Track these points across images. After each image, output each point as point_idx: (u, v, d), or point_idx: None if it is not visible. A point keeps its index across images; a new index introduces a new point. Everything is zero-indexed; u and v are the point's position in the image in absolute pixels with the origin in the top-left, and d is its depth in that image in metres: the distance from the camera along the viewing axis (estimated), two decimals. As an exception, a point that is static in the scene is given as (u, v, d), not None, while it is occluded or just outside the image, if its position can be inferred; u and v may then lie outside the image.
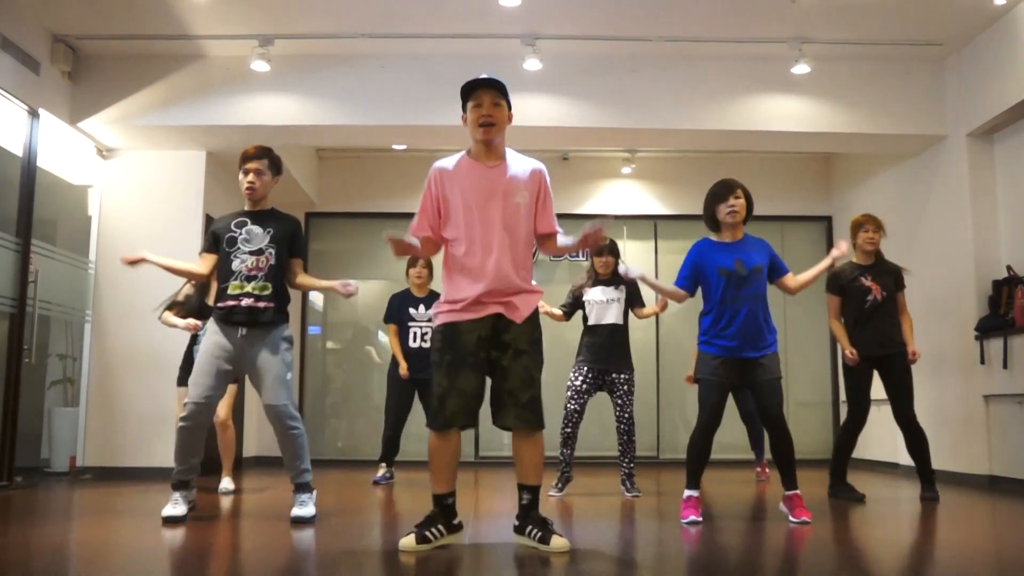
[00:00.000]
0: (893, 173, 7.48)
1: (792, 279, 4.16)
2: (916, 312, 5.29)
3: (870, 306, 5.01)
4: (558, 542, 3.13)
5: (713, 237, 4.14)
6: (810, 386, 8.56)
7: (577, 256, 8.50)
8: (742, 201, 4.03)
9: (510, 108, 3.31)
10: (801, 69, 6.35)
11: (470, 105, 3.26)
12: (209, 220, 6.67)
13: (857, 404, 5.03)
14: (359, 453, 8.23)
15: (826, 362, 8.54)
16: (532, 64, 6.28)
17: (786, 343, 7.93)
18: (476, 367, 3.16)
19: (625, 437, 5.26)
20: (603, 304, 5.31)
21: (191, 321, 5.07)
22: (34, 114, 5.90)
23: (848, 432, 5.09)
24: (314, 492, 4.03)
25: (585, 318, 5.39)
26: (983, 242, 6.23)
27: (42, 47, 6.03)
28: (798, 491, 3.99)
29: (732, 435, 6.69)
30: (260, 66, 6.24)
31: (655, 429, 8.45)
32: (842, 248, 4.28)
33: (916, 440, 4.98)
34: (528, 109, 6.51)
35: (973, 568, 3.07)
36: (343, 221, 8.73)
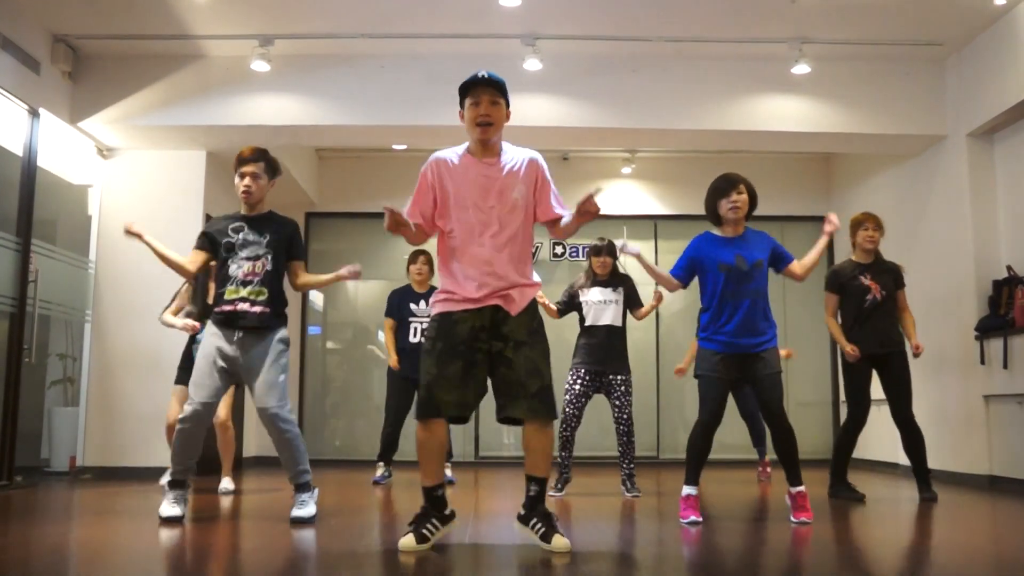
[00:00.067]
0: (893, 173, 7.48)
1: (797, 265, 4.12)
2: (916, 312, 5.29)
3: (869, 305, 5.01)
4: (559, 542, 3.12)
5: (715, 231, 4.13)
6: (810, 386, 8.57)
7: (577, 255, 8.51)
8: (744, 197, 4.01)
9: (508, 106, 3.29)
10: (801, 69, 6.35)
11: (468, 102, 3.24)
12: (209, 220, 6.67)
13: (857, 404, 5.03)
14: (359, 453, 8.23)
15: (826, 362, 8.55)
16: (532, 64, 6.28)
17: (786, 343, 7.92)
18: (467, 357, 3.12)
19: (625, 438, 5.24)
20: (600, 305, 5.29)
21: (188, 322, 5.08)
22: (34, 114, 5.90)
23: (848, 432, 5.09)
24: (315, 491, 4.02)
25: (582, 319, 5.38)
26: (983, 242, 6.23)
27: (42, 47, 6.03)
28: (803, 488, 3.96)
29: (732, 435, 6.69)
30: (260, 66, 6.24)
31: (655, 429, 8.45)
32: (833, 222, 4.18)
33: (913, 440, 4.97)
34: (528, 109, 6.51)
35: (973, 568, 3.07)
36: (343, 221, 8.73)
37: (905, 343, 5.05)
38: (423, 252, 5.96)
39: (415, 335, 5.90)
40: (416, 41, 6.35)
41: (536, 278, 3.31)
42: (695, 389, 4.12)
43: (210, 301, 4.80)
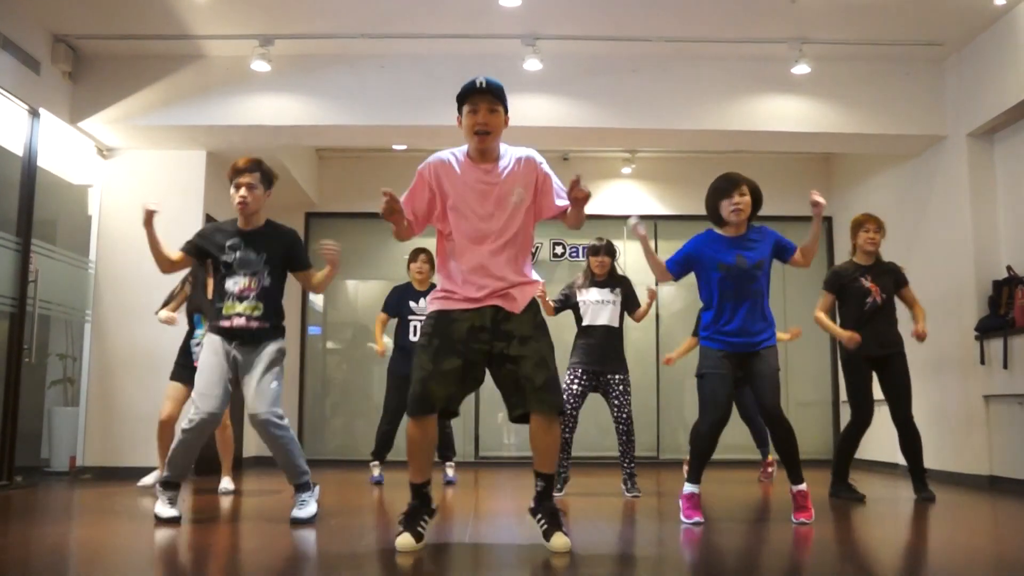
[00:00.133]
0: (893, 173, 7.48)
1: (799, 253, 4.09)
2: (916, 312, 5.28)
3: (870, 308, 5.00)
4: (558, 541, 3.11)
5: (717, 230, 4.10)
6: (810, 386, 8.57)
7: (577, 255, 8.51)
8: (747, 199, 3.98)
9: (507, 112, 3.26)
10: (801, 69, 6.35)
11: (466, 110, 3.21)
12: (209, 220, 6.67)
13: (859, 406, 5.01)
14: (359, 453, 8.23)
15: (826, 362, 8.54)
16: (532, 64, 6.28)
17: (786, 343, 7.93)
18: (464, 356, 3.10)
19: (624, 438, 5.23)
20: (598, 305, 5.28)
21: (164, 314, 5.23)
22: (34, 114, 5.90)
23: (852, 433, 5.05)
24: (316, 488, 4.02)
25: (579, 319, 5.36)
26: (983, 242, 6.23)
27: (42, 47, 6.03)
28: (804, 487, 3.94)
29: (733, 435, 6.62)
30: (260, 66, 6.24)
31: (655, 429, 8.45)
32: (817, 199, 4.07)
33: (911, 441, 4.96)
34: (528, 109, 6.51)
35: (974, 568, 3.07)
36: (343, 221, 8.73)
37: (904, 344, 5.04)
38: (424, 251, 5.95)
39: (414, 333, 5.87)
40: (416, 41, 6.35)
41: (536, 277, 3.30)
42: (695, 389, 4.11)
43: (209, 296, 4.80)
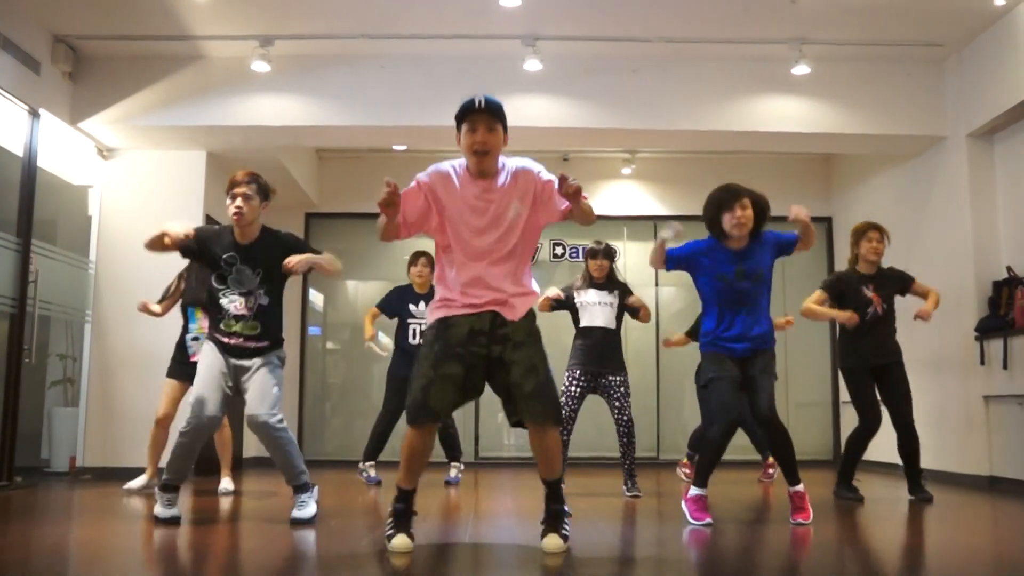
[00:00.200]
0: (893, 174, 7.48)
1: (800, 242, 3.99)
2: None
3: (871, 318, 4.98)
4: (549, 542, 3.11)
5: (719, 239, 4.05)
6: (810, 386, 8.56)
7: (577, 255, 8.51)
8: (750, 212, 3.90)
9: (506, 131, 3.21)
10: (801, 70, 6.35)
11: (464, 128, 3.17)
12: (209, 220, 6.67)
13: (865, 413, 4.97)
14: (358, 454, 8.19)
15: (826, 362, 8.54)
16: (532, 65, 6.28)
17: (786, 343, 7.94)
18: (463, 360, 3.09)
19: (625, 439, 5.21)
20: (595, 307, 5.26)
21: (146, 304, 5.27)
22: (34, 114, 5.90)
23: (860, 438, 5.00)
24: (315, 488, 4.03)
25: (577, 321, 5.35)
26: (983, 243, 6.23)
27: (43, 47, 6.03)
28: (801, 488, 3.95)
29: (734, 436, 6.67)
30: (260, 66, 6.24)
31: (655, 430, 8.44)
32: (798, 217, 3.86)
33: (910, 443, 4.95)
34: (528, 110, 6.52)
35: (974, 569, 3.07)
36: (343, 221, 8.73)
37: (903, 354, 5.04)
38: (424, 254, 5.95)
39: (414, 336, 5.88)
40: (416, 42, 6.35)
41: (535, 287, 3.28)
42: (695, 389, 4.11)
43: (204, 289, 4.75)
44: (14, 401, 5.65)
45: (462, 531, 3.81)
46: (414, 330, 5.89)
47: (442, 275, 3.26)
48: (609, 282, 5.32)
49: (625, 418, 5.18)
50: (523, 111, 6.54)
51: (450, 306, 3.17)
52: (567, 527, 3.19)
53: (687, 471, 6.42)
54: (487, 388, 3.24)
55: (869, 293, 4.99)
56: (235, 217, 3.91)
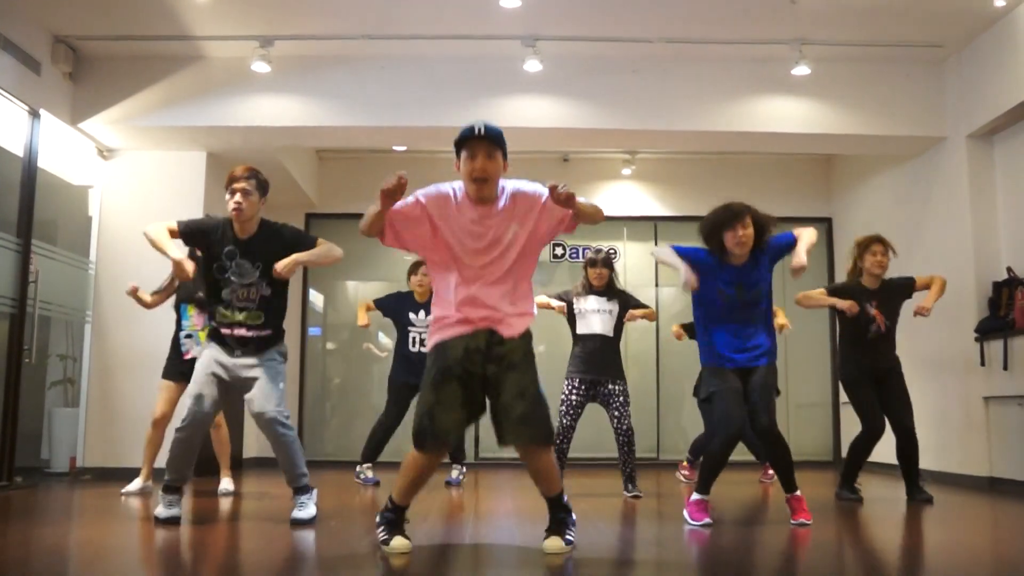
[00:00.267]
0: (893, 174, 7.48)
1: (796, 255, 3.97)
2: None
3: (873, 335, 4.98)
4: (551, 543, 3.12)
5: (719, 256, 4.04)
6: (810, 387, 8.55)
7: (577, 256, 8.51)
8: (751, 231, 3.90)
9: (506, 157, 3.17)
10: (801, 70, 6.35)
11: (464, 155, 3.13)
12: (208, 218, 6.67)
13: (867, 418, 4.95)
14: (358, 454, 8.21)
15: (826, 363, 8.54)
16: (532, 65, 6.28)
17: (786, 344, 7.93)
18: (463, 380, 3.05)
19: (625, 448, 5.19)
20: (594, 314, 5.23)
21: (135, 287, 5.15)
22: (35, 114, 5.90)
23: (863, 443, 4.98)
24: (314, 491, 4.03)
25: (574, 328, 5.32)
26: (983, 243, 6.23)
27: (43, 48, 6.03)
28: (798, 493, 3.98)
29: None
30: (260, 67, 6.25)
31: (655, 431, 8.44)
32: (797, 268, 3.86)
33: (909, 447, 4.94)
34: (528, 110, 6.52)
35: (974, 569, 3.07)
36: (343, 222, 8.70)
37: (900, 362, 5.05)
38: (424, 263, 5.94)
39: (413, 344, 5.89)
40: (416, 42, 6.35)
41: (534, 308, 3.25)
42: (693, 397, 4.11)
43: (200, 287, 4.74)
44: (14, 401, 5.65)
45: (462, 532, 3.81)
46: (414, 338, 5.90)
47: (438, 300, 3.21)
48: (609, 290, 5.30)
49: (624, 427, 5.16)
50: (523, 112, 6.55)
51: (445, 326, 3.12)
52: (571, 533, 3.19)
53: (686, 473, 6.42)
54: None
55: (872, 311, 4.98)
56: (235, 212, 3.91)
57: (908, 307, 5.12)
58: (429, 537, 3.56)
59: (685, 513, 4.02)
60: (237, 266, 3.90)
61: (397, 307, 6.02)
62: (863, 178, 8.08)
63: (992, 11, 5.78)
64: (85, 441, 6.49)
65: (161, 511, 3.86)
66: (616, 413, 5.16)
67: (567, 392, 5.21)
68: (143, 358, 6.45)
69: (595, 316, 5.24)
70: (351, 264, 8.65)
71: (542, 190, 3.16)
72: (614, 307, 5.27)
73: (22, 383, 5.75)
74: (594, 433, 7.84)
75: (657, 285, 8.68)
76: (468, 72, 6.55)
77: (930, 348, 6.46)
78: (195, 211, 6.69)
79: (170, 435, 3.97)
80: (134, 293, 5.22)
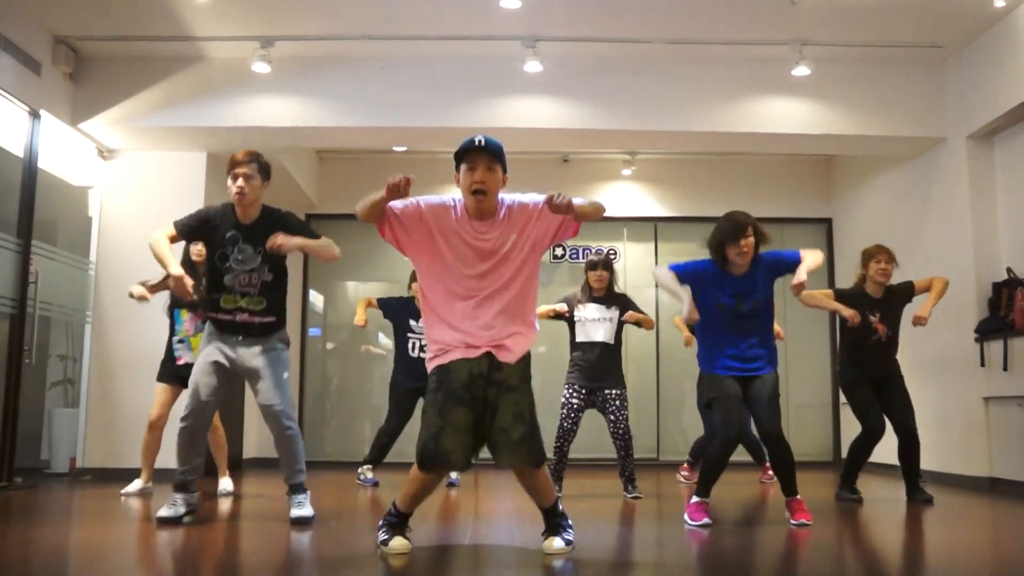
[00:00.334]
0: (893, 175, 7.48)
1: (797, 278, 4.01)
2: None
3: (873, 344, 4.99)
4: (548, 543, 3.14)
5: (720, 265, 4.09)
6: (810, 388, 8.55)
7: (578, 257, 8.51)
8: (752, 240, 3.97)
9: (505, 171, 3.16)
10: (801, 71, 6.35)
11: (463, 168, 3.12)
12: (207, 208, 6.66)
13: (866, 419, 4.96)
14: (358, 455, 8.22)
15: (826, 364, 8.53)
16: (532, 66, 6.28)
17: (786, 345, 7.93)
18: (469, 403, 3.03)
19: (623, 452, 5.19)
20: (595, 322, 5.21)
21: (138, 288, 5.02)
22: (35, 115, 5.91)
23: (863, 444, 4.99)
24: (308, 492, 4.04)
25: (573, 335, 5.30)
26: (983, 244, 6.23)
27: (43, 48, 6.04)
28: (798, 497, 4.01)
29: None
30: (261, 67, 6.25)
31: (655, 431, 8.44)
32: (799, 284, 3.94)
33: (911, 447, 4.95)
34: (528, 111, 6.52)
35: (974, 570, 3.07)
36: (343, 222, 8.69)
37: (900, 367, 5.06)
38: None
39: (413, 349, 5.90)
40: (416, 43, 6.35)
41: (536, 324, 3.23)
42: (694, 391, 4.12)
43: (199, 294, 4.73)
44: (14, 402, 5.65)
45: (462, 532, 3.81)
46: (413, 343, 5.91)
47: (430, 320, 3.16)
48: (609, 296, 5.28)
49: (620, 431, 5.16)
50: (523, 112, 6.55)
51: (445, 352, 3.10)
52: (570, 534, 3.20)
53: (686, 474, 6.42)
54: None
55: (875, 321, 4.98)
56: (237, 197, 3.92)
57: (908, 311, 5.12)
58: (429, 538, 3.56)
59: (685, 514, 4.03)
60: (239, 251, 3.91)
61: (399, 311, 6.02)
62: (863, 179, 8.08)
63: (992, 11, 5.78)
64: (85, 442, 6.49)
65: (163, 511, 3.87)
66: (612, 417, 5.15)
67: (567, 396, 5.21)
68: (143, 359, 6.44)
69: (595, 325, 5.22)
70: (351, 264, 8.66)
71: (539, 198, 3.15)
72: (614, 314, 5.24)
73: (22, 383, 5.75)
74: (594, 434, 7.84)
75: (657, 287, 8.66)
76: (468, 73, 6.55)
77: (930, 349, 6.46)
78: (195, 212, 6.70)
79: (168, 436, 3.98)
80: (142, 296, 5.11)
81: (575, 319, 5.28)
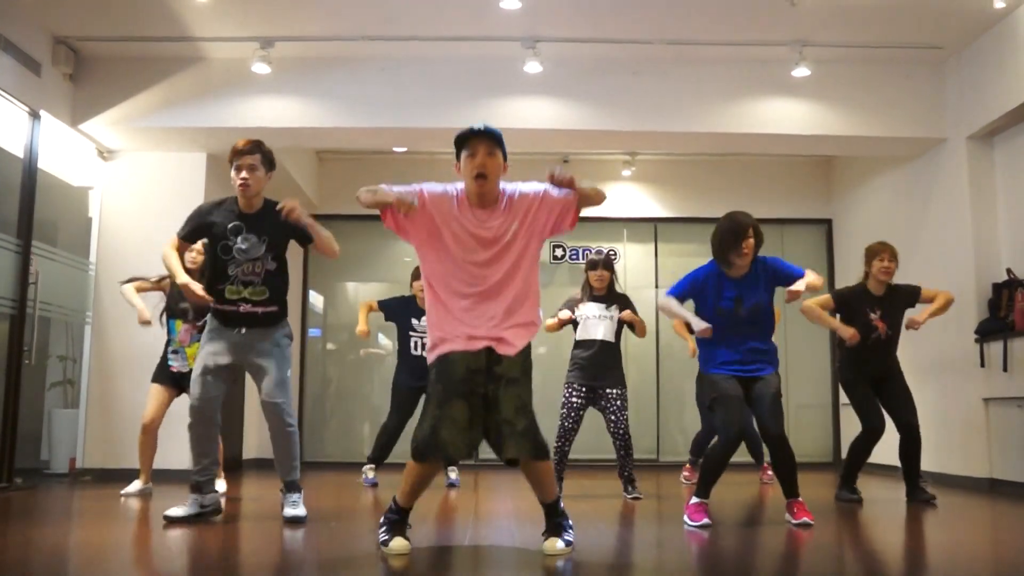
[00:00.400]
0: (893, 176, 7.48)
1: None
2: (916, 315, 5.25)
3: (873, 342, 4.99)
4: (549, 545, 3.14)
5: (721, 266, 4.11)
6: (810, 388, 8.55)
7: (577, 257, 8.51)
8: (752, 241, 4.01)
9: (505, 158, 3.19)
10: (801, 72, 6.35)
11: (464, 154, 3.14)
12: (207, 204, 6.66)
13: (866, 418, 4.96)
14: (358, 456, 8.22)
15: (826, 364, 8.53)
16: (532, 67, 6.28)
17: (786, 345, 7.93)
18: (467, 397, 3.04)
19: (623, 452, 5.19)
20: (595, 320, 5.22)
21: (139, 306, 5.05)
22: (35, 116, 5.91)
23: (863, 443, 5.00)
24: (302, 492, 4.05)
25: (576, 333, 5.32)
26: (983, 245, 6.23)
27: (43, 49, 6.04)
28: (800, 498, 4.02)
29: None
30: (261, 68, 6.25)
31: (655, 432, 8.44)
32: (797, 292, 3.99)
33: (913, 445, 4.96)
34: (528, 112, 6.52)
35: (974, 570, 3.07)
36: (343, 223, 8.70)
37: (901, 366, 5.06)
38: None
39: (416, 348, 5.89)
40: (416, 44, 6.35)
41: (539, 316, 3.23)
42: (694, 392, 4.13)
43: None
44: (14, 402, 5.65)
45: (462, 533, 3.81)
46: (415, 342, 5.90)
47: (433, 311, 3.17)
48: (609, 295, 5.28)
49: (620, 431, 5.16)
50: (523, 113, 6.55)
51: (445, 342, 3.11)
52: (570, 534, 3.20)
53: (688, 475, 6.42)
54: None
55: (875, 319, 4.98)
56: (241, 188, 3.92)
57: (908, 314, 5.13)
58: (429, 539, 3.56)
59: (684, 515, 4.03)
60: (244, 240, 3.92)
61: (400, 311, 6.01)
62: (863, 179, 8.08)
63: (992, 12, 5.78)
64: (85, 442, 6.49)
65: (170, 511, 3.89)
66: (612, 417, 5.15)
67: (568, 395, 5.21)
68: (143, 359, 6.41)
69: (595, 322, 5.22)
70: (351, 265, 8.67)
71: (539, 187, 3.19)
72: (614, 313, 5.24)
73: (22, 384, 5.75)
74: (594, 434, 7.84)
75: (657, 287, 8.67)
76: (468, 73, 6.56)
77: (930, 350, 6.46)
78: (195, 212, 6.70)
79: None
80: (144, 320, 5.12)
81: (576, 318, 5.29)
